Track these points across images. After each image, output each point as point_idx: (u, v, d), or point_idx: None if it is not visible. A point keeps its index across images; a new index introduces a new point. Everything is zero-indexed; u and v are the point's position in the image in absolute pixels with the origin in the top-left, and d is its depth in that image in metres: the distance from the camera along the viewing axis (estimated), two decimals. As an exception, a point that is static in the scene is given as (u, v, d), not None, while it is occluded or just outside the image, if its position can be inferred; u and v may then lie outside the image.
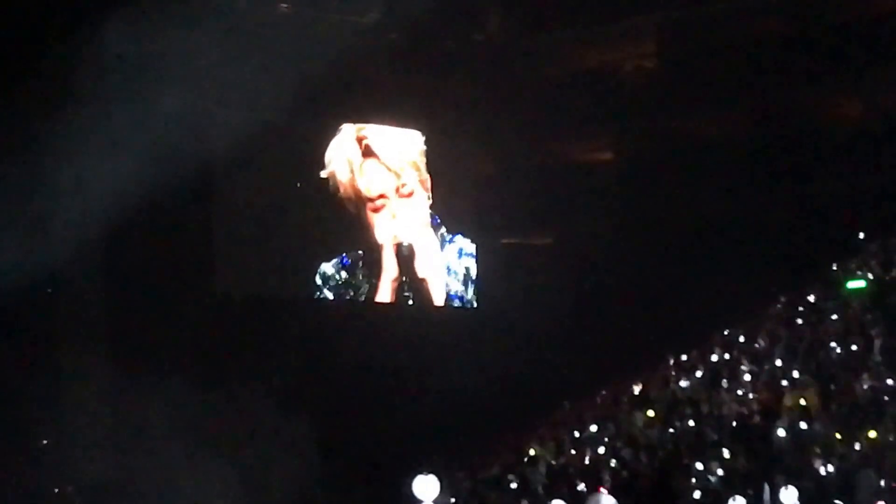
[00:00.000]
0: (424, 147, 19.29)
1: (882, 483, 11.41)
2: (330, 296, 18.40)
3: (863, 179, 19.24)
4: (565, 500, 11.21)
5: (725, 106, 21.26)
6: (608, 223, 21.07)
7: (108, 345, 15.69)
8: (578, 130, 21.95)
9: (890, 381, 13.36)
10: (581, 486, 12.90)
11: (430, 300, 18.97)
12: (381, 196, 18.69)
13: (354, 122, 18.86)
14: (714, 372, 15.93)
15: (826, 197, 19.49)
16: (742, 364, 15.65)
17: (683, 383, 16.03)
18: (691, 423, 14.45)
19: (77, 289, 15.79)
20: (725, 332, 17.33)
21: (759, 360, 15.62)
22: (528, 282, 20.13)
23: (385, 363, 17.82)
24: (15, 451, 14.39)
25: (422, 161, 19.27)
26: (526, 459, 15.13)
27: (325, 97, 18.11)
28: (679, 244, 19.96)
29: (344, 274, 18.47)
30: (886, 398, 13.12)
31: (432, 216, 19.23)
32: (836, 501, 10.38)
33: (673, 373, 16.81)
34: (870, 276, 16.85)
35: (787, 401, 13.91)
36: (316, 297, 18.37)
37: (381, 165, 18.77)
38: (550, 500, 11.31)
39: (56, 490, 14.88)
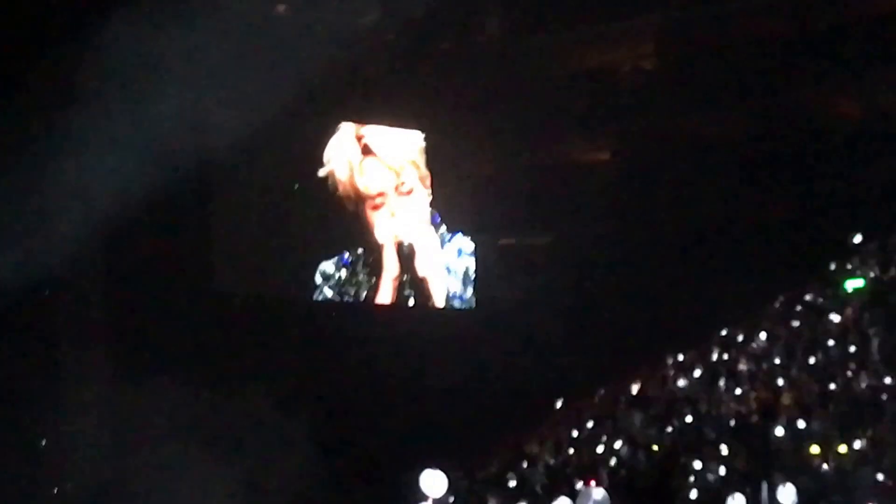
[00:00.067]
0: (424, 144, 19.29)
1: (880, 481, 11.44)
2: (330, 295, 18.41)
3: (861, 179, 19.25)
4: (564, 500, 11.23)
5: (724, 106, 21.27)
6: (607, 223, 21.07)
7: (107, 344, 15.68)
8: (577, 130, 21.96)
9: (888, 380, 13.39)
10: (580, 485, 12.93)
11: (430, 299, 18.98)
12: (380, 194, 18.69)
13: (354, 122, 18.87)
14: (712, 371, 15.96)
15: (825, 196, 19.51)
16: (740, 363, 15.69)
17: (682, 382, 16.07)
18: (690, 421, 14.49)
19: (76, 288, 15.78)
20: (724, 332, 17.35)
21: (758, 360, 15.65)
22: (527, 281, 20.13)
23: (384, 363, 17.82)
24: (14, 450, 14.39)
25: (421, 159, 19.28)
26: (525, 459, 15.17)
27: (324, 97, 18.12)
28: (677, 243, 19.97)
29: (344, 273, 18.48)
30: (885, 397, 13.15)
31: (432, 214, 19.23)
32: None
33: (671, 372, 16.84)
34: (868, 275, 16.88)
35: (786, 400, 13.95)
36: (316, 296, 18.37)
37: (381, 163, 18.78)
38: (550, 500, 11.32)
39: (55, 490, 14.88)
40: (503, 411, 17.41)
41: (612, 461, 13.93)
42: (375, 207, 18.58)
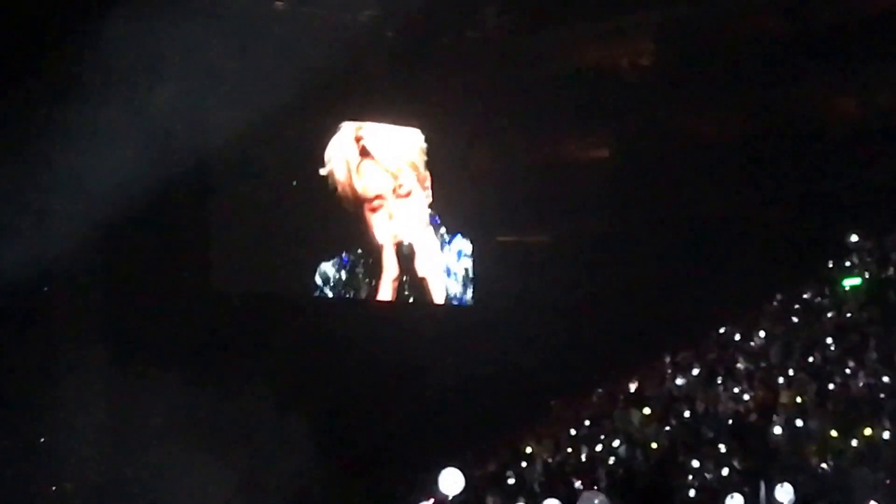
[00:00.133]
0: (425, 145, 19.24)
1: (878, 480, 11.46)
2: (330, 296, 18.38)
3: (859, 177, 19.26)
4: (562, 498, 11.23)
5: (722, 104, 21.25)
6: (605, 221, 21.07)
7: (105, 343, 15.64)
8: (575, 128, 21.92)
9: (886, 379, 13.42)
10: (578, 484, 12.95)
11: (430, 299, 18.96)
12: (378, 197, 18.65)
13: (352, 119, 18.82)
14: (710, 370, 15.98)
15: (822, 194, 19.51)
16: (738, 362, 15.70)
17: (679, 381, 16.08)
18: (688, 420, 14.50)
19: (74, 286, 15.74)
20: (721, 331, 17.36)
21: (755, 358, 15.67)
22: (525, 280, 20.11)
23: (382, 361, 17.79)
24: (12, 449, 14.37)
25: (420, 160, 19.23)
26: (523, 457, 15.17)
27: (322, 94, 18.06)
28: (675, 242, 19.96)
29: (344, 274, 18.45)
30: (882, 395, 13.18)
31: (432, 216, 19.21)
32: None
33: (669, 371, 16.85)
34: (865, 273, 16.90)
35: (784, 398, 13.97)
36: (315, 295, 18.34)
37: (378, 166, 18.73)
38: (547, 498, 11.33)
39: (54, 488, 14.85)
40: (501, 410, 17.40)
41: (611, 460, 13.94)
42: (373, 209, 18.54)
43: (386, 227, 18.60)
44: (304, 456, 15.11)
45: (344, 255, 18.51)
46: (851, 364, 14.07)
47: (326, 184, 18.44)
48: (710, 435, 13.68)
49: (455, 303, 19.37)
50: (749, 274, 18.44)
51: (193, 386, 14.80)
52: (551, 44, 21.82)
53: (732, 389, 14.81)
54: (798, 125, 20.48)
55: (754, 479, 11.42)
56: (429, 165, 19.23)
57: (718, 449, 13.10)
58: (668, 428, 14.43)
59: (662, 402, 15.50)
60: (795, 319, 16.50)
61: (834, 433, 12.66)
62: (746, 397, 14.45)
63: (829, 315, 15.98)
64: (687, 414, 14.62)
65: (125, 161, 15.01)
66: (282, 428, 15.31)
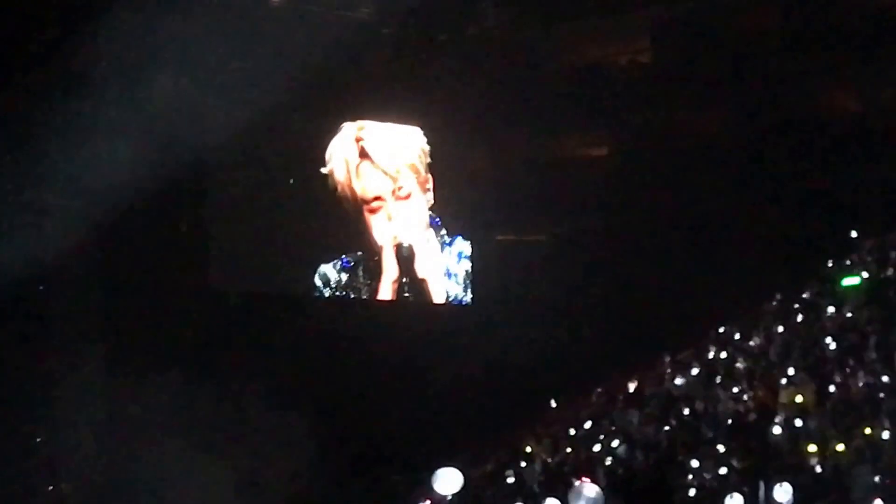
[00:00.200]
0: (427, 147, 19.19)
1: (878, 480, 11.42)
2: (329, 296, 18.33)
3: (858, 175, 19.23)
4: (561, 498, 11.19)
5: (721, 102, 21.23)
6: (603, 220, 21.05)
7: (103, 342, 15.63)
8: (574, 126, 21.90)
9: (885, 378, 13.37)
10: (577, 484, 12.88)
11: (430, 300, 18.92)
12: (377, 198, 18.61)
13: (352, 117, 18.77)
14: (709, 369, 15.95)
15: (821, 193, 19.48)
16: (737, 361, 15.67)
17: (679, 381, 16.04)
18: (687, 419, 14.47)
19: (71, 285, 15.72)
20: (721, 330, 17.33)
21: (755, 358, 15.64)
22: (524, 279, 20.09)
23: (380, 361, 17.78)
24: (9, 449, 14.35)
25: (421, 162, 19.17)
26: (522, 457, 15.14)
27: (320, 92, 18.04)
28: (674, 241, 19.94)
29: (344, 275, 18.41)
30: (882, 395, 13.13)
31: (432, 217, 19.17)
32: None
33: (668, 370, 16.82)
34: (865, 272, 16.87)
35: (783, 398, 13.93)
36: (314, 295, 18.30)
37: (377, 169, 18.68)
38: (546, 498, 11.30)
39: (50, 488, 14.83)
40: (500, 409, 17.39)
41: (610, 460, 13.90)
42: (373, 211, 18.50)
43: (385, 229, 18.55)
44: (303, 456, 15.11)
45: (344, 256, 18.46)
46: (851, 363, 14.02)
47: (326, 183, 18.40)
48: (710, 434, 13.64)
49: (455, 304, 19.33)
50: (748, 273, 18.42)
51: (192, 386, 14.80)
52: (549, 42, 21.80)
53: (732, 389, 14.77)
54: (798, 123, 20.45)
55: (754, 479, 11.39)
56: (430, 167, 19.18)
57: (718, 449, 13.05)
58: (667, 427, 14.39)
59: (662, 401, 15.47)
60: (795, 319, 16.46)
61: (833, 433, 12.62)
62: (746, 397, 14.41)
63: (829, 314, 15.94)
64: (686, 413, 14.58)
65: (123, 160, 15.00)
66: (281, 428, 15.30)
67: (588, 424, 15.67)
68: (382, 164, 18.66)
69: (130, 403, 15.02)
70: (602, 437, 14.92)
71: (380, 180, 18.66)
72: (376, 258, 18.49)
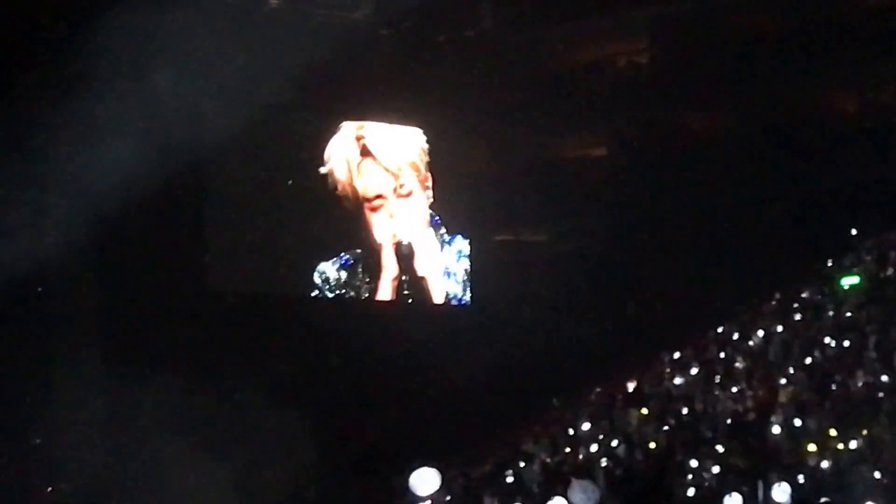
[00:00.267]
0: (427, 146, 19.19)
1: (877, 479, 11.42)
2: (329, 295, 18.32)
3: (858, 175, 19.21)
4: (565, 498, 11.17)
5: (720, 102, 21.22)
6: (602, 220, 21.03)
7: (101, 343, 15.59)
8: (572, 126, 21.89)
9: (885, 377, 13.38)
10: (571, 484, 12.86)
11: (429, 299, 18.91)
12: (379, 196, 18.58)
13: (351, 117, 18.77)
14: (709, 369, 15.94)
15: (820, 192, 19.47)
16: (737, 361, 15.66)
17: (678, 380, 16.04)
18: (686, 419, 14.46)
19: (69, 286, 15.69)
20: (720, 329, 17.32)
21: (754, 357, 15.63)
22: (523, 279, 20.07)
23: (378, 361, 17.75)
24: (7, 449, 14.32)
25: (421, 160, 19.18)
26: (520, 457, 15.13)
27: (319, 92, 18.02)
28: (673, 240, 19.93)
29: (344, 273, 18.39)
30: (881, 394, 13.14)
31: (432, 216, 19.16)
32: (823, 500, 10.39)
33: (667, 370, 16.82)
34: (865, 272, 16.86)
35: (782, 397, 13.93)
36: (314, 295, 18.29)
37: (379, 166, 18.67)
38: (546, 498, 11.28)
39: (49, 489, 14.80)
40: (499, 409, 17.36)
41: (609, 460, 13.89)
42: (374, 209, 18.48)
43: (386, 227, 18.54)
44: (301, 456, 15.07)
45: (343, 254, 18.45)
46: (850, 363, 14.02)
47: (325, 182, 18.39)
48: (709, 434, 13.65)
49: (454, 303, 19.32)
50: (748, 273, 18.40)
51: (190, 386, 14.75)
52: (547, 42, 21.79)
53: (731, 388, 14.77)
54: (796, 123, 20.44)
55: (753, 479, 11.38)
56: (430, 166, 19.18)
57: (717, 448, 13.06)
58: (666, 427, 14.39)
59: (661, 401, 15.46)
60: (794, 318, 16.45)
61: (833, 432, 12.63)
62: (745, 396, 14.41)
63: (828, 314, 15.94)
64: (685, 413, 14.58)
65: (122, 160, 14.95)
66: (279, 428, 15.27)
67: (587, 424, 15.65)
68: (384, 161, 18.65)
69: (129, 404, 14.97)
70: (601, 436, 14.91)
71: (382, 178, 18.65)
72: (376, 256, 18.48)
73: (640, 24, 21.91)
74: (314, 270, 18.27)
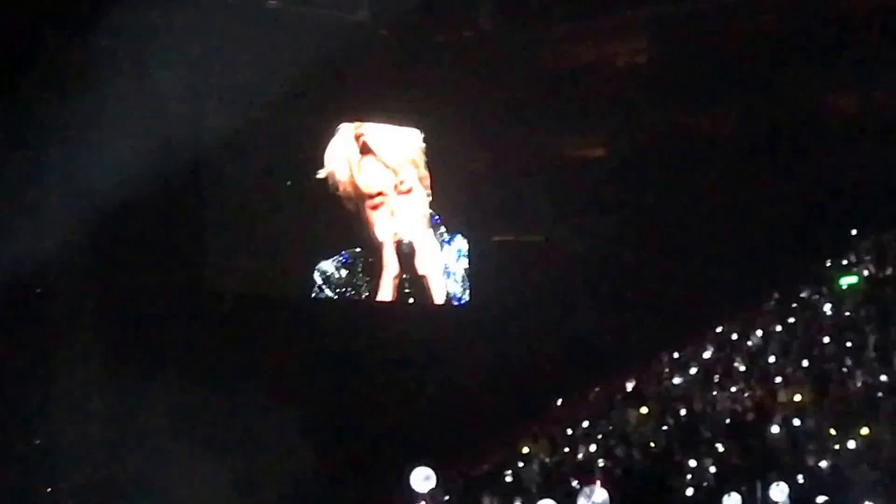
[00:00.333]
0: (423, 145, 19.21)
1: (876, 479, 11.42)
2: (330, 294, 18.33)
3: (856, 175, 19.21)
4: (559, 498, 11.19)
5: (718, 102, 21.21)
6: (601, 220, 21.03)
7: (99, 343, 15.60)
8: (570, 126, 21.89)
9: (884, 378, 13.37)
10: (575, 484, 12.90)
11: (430, 298, 18.92)
12: (380, 193, 18.60)
13: (349, 118, 18.77)
14: (707, 369, 15.94)
15: (819, 192, 19.47)
16: (735, 361, 15.66)
17: (677, 380, 16.04)
18: (685, 419, 14.46)
19: (66, 287, 15.70)
20: (719, 329, 17.32)
21: (753, 357, 15.63)
22: (521, 279, 20.07)
23: (377, 361, 17.76)
24: (7, 450, 14.33)
25: (421, 158, 19.20)
26: (519, 457, 15.13)
27: (317, 92, 18.03)
28: (672, 240, 19.93)
29: (344, 272, 18.40)
30: (880, 394, 13.13)
31: (432, 216, 19.17)
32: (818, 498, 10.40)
33: (666, 370, 16.81)
34: (864, 272, 16.86)
35: (781, 397, 13.93)
36: (313, 295, 18.29)
37: (379, 162, 18.69)
38: (544, 498, 11.30)
39: (49, 489, 14.81)
40: (497, 409, 17.36)
41: (608, 460, 13.89)
42: (375, 207, 18.49)
43: (387, 225, 18.56)
44: (300, 456, 15.08)
45: (343, 253, 18.46)
46: (849, 363, 14.02)
47: (325, 185, 18.39)
48: (708, 434, 13.64)
49: (454, 302, 19.33)
50: (746, 272, 18.40)
51: (188, 386, 14.77)
52: (545, 42, 21.80)
53: (730, 388, 14.77)
54: (795, 123, 20.44)
55: (752, 479, 11.38)
56: (428, 165, 19.19)
57: (716, 448, 13.05)
58: (665, 427, 14.38)
59: (660, 401, 15.46)
60: (793, 318, 16.45)
61: (832, 432, 12.62)
62: (744, 396, 14.41)
63: (827, 314, 15.93)
64: (684, 413, 14.57)
65: (120, 161, 14.97)
66: (278, 428, 15.27)
67: (586, 424, 15.65)
68: (384, 157, 18.68)
69: (129, 404, 14.99)
70: (600, 436, 14.90)
71: (382, 174, 18.67)
72: (376, 254, 18.48)
73: (639, 24, 21.91)
74: (314, 270, 18.28)
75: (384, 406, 17.42)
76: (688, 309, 18.20)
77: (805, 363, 14.65)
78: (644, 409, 15.21)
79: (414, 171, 18.96)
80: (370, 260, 18.49)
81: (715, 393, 14.82)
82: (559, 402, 17.58)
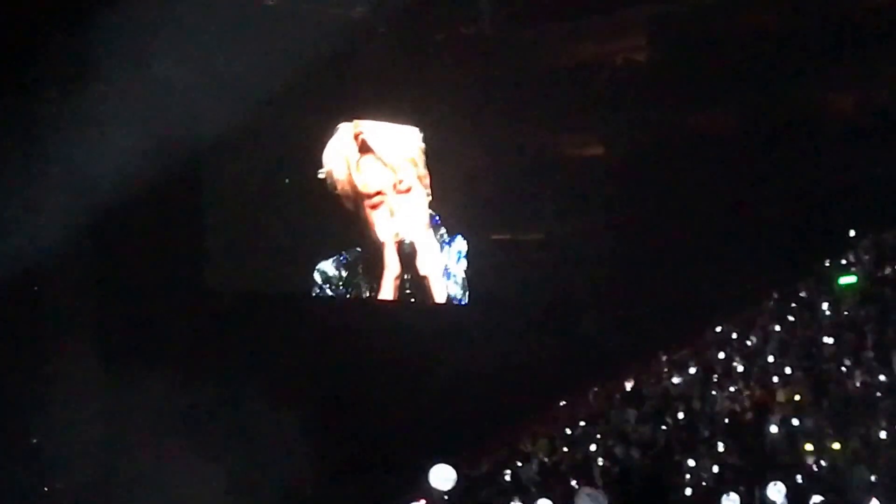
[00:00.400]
0: (423, 144, 19.18)
1: (874, 479, 11.41)
2: (329, 294, 18.30)
3: (855, 174, 19.21)
4: (557, 498, 11.18)
5: (717, 101, 21.21)
6: (600, 219, 21.02)
7: (97, 342, 15.57)
8: (569, 124, 21.87)
9: (882, 377, 13.37)
10: (573, 483, 12.89)
11: (431, 298, 18.90)
12: (379, 193, 18.59)
13: (348, 115, 18.74)
14: (706, 368, 15.93)
15: (818, 192, 19.46)
16: (734, 360, 15.65)
17: (676, 380, 16.03)
18: (684, 419, 14.44)
19: (65, 285, 15.66)
20: (718, 329, 17.31)
21: (752, 357, 15.62)
22: (520, 278, 20.05)
23: (375, 360, 17.73)
24: (3, 450, 14.28)
25: (420, 157, 19.17)
26: (518, 456, 15.11)
27: (315, 90, 18.00)
28: (671, 240, 19.92)
29: (344, 272, 18.37)
30: (879, 394, 13.12)
31: (432, 216, 19.14)
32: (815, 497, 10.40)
33: (665, 369, 16.80)
34: (862, 271, 16.85)
35: (780, 397, 13.92)
36: (313, 294, 18.26)
37: (378, 161, 18.67)
38: (542, 498, 11.29)
39: (45, 489, 14.78)
40: (496, 408, 17.35)
41: (606, 459, 13.87)
42: (374, 206, 18.47)
43: (387, 225, 18.54)
44: (299, 456, 15.05)
45: (343, 253, 18.43)
46: (848, 362, 14.01)
47: (324, 184, 18.36)
48: (707, 434, 13.63)
49: (454, 303, 19.32)
50: (746, 272, 18.40)
51: (186, 385, 14.73)
52: (544, 40, 21.78)
53: (729, 388, 14.76)
54: (794, 122, 20.43)
55: (750, 478, 11.37)
56: (428, 165, 19.17)
57: (715, 448, 13.05)
58: (664, 427, 14.37)
59: (658, 400, 15.45)
60: (792, 318, 16.44)
61: (830, 432, 12.61)
62: (743, 396, 14.40)
63: (826, 313, 15.92)
64: (683, 413, 14.56)
65: (118, 159, 14.93)
66: (277, 427, 15.25)
67: (584, 423, 15.63)
68: (383, 156, 18.67)
69: (125, 403, 14.95)
70: (599, 436, 14.89)
71: (381, 173, 18.65)
72: (377, 254, 18.45)
73: (638, 22, 21.90)
74: (313, 269, 18.25)
75: (383, 405, 17.39)
76: (687, 308, 18.20)
77: (804, 363, 14.63)
78: (643, 409, 15.19)
79: (413, 170, 18.94)
80: (371, 260, 18.47)
81: (714, 392, 14.80)
82: (562, 403, 17.55)
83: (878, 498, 10.83)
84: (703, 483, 12.44)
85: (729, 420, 13.85)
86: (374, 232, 18.50)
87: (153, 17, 15.42)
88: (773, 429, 13.02)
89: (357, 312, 18.48)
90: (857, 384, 13.49)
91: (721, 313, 17.57)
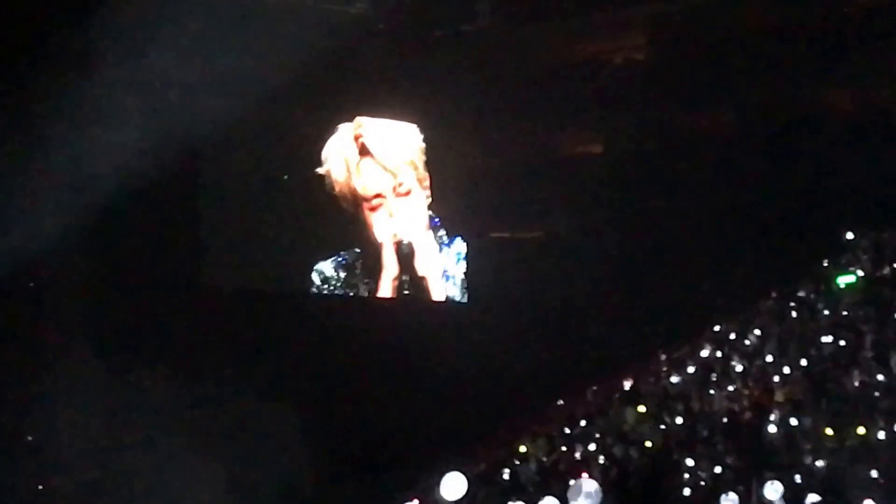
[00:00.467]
0: (423, 145, 19.16)
1: (873, 479, 11.41)
2: (328, 293, 18.25)
3: (855, 174, 19.19)
4: (557, 497, 11.13)
5: (717, 99, 21.19)
6: (598, 217, 21.00)
7: (94, 340, 15.53)
8: (568, 123, 21.85)
9: (881, 377, 13.36)
10: (572, 483, 12.84)
11: (429, 299, 18.87)
12: (378, 196, 18.57)
13: (347, 112, 18.71)
14: (705, 368, 15.91)
15: (817, 191, 19.44)
16: (733, 360, 15.63)
17: (674, 379, 16.01)
18: (682, 418, 14.43)
19: (61, 282, 15.63)
20: (716, 328, 17.29)
21: (750, 356, 15.60)
22: (519, 277, 20.03)
23: (373, 360, 17.71)
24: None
25: (420, 159, 19.14)
26: (516, 456, 15.08)
27: (315, 87, 17.98)
28: (669, 238, 19.90)
29: (342, 273, 18.35)
30: (877, 394, 13.12)
31: (431, 218, 19.12)
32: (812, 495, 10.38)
33: (664, 368, 16.78)
34: (860, 271, 16.85)
35: (778, 397, 13.92)
36: (311, 292, 18.23)
37: (378, 165, 18.65)
38: (541, 498, 11.25)
39: (40, 487, 14.74)
40: (495, 408, 17.32)
41: (605, 458, 13.85)
42: (373, 209, 18.46)
43: (386, 226, 18.52)
44: (297, 456, 15.03)
45: (342, 254, 18.41)
46: (846, 362, 14.01)
47: (322, 182, 18.33)
48: (705, 433, 13.62)
49: (453, 301, 19.30)
50: (744, 271, 18.38)
51: (183, 384, 14.70)
52: (544, 38, 21.74)
53: (727, 387, 14.74)
54: (793, 121, 20.41)
55: (749, 478, 11.36)
56: (428, 165, 19.14)
57: (713, 447, 13.04)
58: (662, 426, 14.35)
59: (657, 400, 15.43)
60: (791, 317, 16.43)
61: (829, 431, 12.61)
62: (742, 395, 14.38)
63: (825, 313, 15.92)
64: (681, 412, 14.54)
65: (117, 156, 14.91)
66: (274, 426, 15.22)
67: (583, 423, 15.61)
68: (383, 160, 18.64)
69: (121, 402, 14.92)
70: (597, 435, 14.86)
71: (381, 177, 18.63)
72: (376, 255, 18.43)
73: (637, 20, 21.87)
74: (311, 269, 18.23)
75: (382, 405, 17.37)
76: (685, 308, 18.18)
77: (802, 362, 14.63)
78: (641, 408, 15.16)
79: (413, 173, 18.93)
80: (368, 261, 18.44)
81: (712, 392, 14.79)
82: (560, 402, 17.53)
83: (876, 498, 10.82)
84: (702, 482, 12.43)
85: (727, 419, 13.83)
86: (373, 233, 18.47)
87: (152, 14, 15.39)
88: (772, 428, 13.01)
89: (356, 310, 18.45)
90: (856, 384, 13.48)
91: (720, 312, 17.55)
